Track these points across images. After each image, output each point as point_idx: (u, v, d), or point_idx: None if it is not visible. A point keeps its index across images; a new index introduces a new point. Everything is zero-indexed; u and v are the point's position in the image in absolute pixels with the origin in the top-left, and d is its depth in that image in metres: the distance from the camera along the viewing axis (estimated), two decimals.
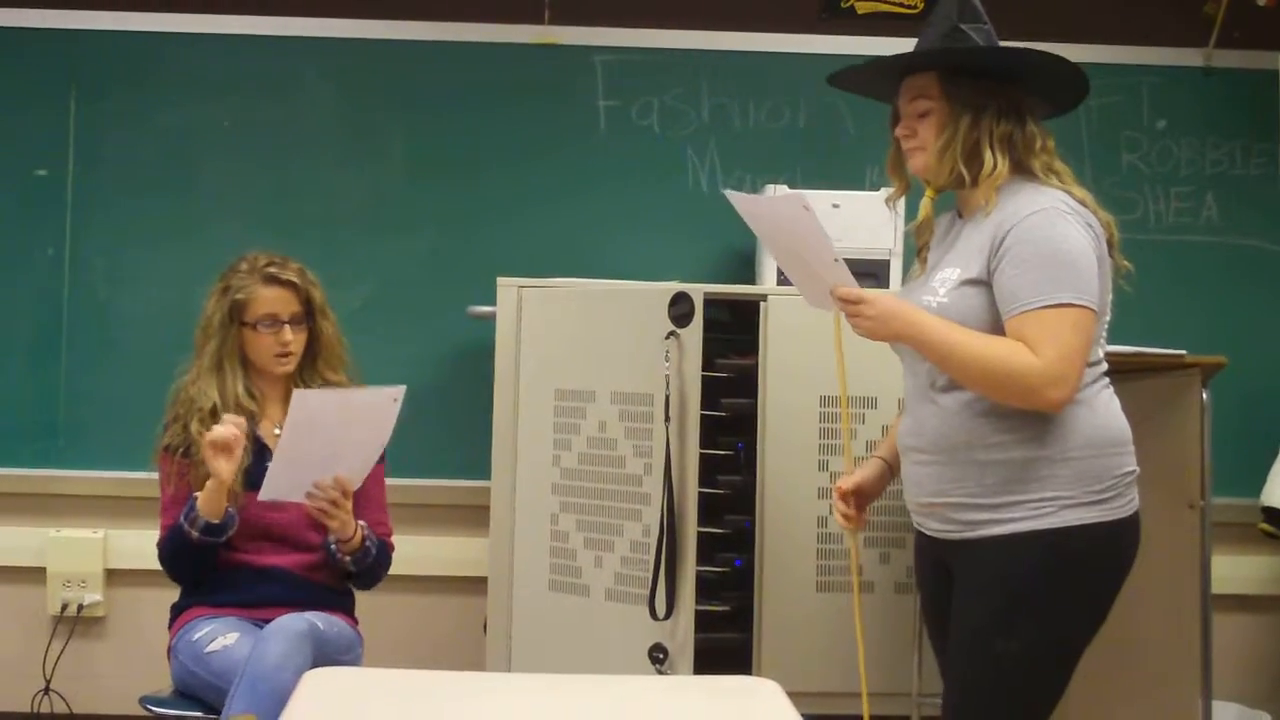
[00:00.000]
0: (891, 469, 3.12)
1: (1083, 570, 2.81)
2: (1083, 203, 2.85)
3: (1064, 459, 2.79)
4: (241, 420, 3.32)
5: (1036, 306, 2.73)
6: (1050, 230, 2.77)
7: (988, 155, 2.86)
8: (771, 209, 3.12)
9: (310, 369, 3.56)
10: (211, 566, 3.41)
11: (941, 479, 2.88)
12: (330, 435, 3.27)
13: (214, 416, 3.42)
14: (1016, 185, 2.87)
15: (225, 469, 3.27)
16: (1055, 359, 2.71)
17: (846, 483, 3.12)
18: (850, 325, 2.92)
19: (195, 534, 3.34)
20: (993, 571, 2.83)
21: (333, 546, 3.44)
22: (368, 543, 3.45)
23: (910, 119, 2.95)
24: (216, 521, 3.34)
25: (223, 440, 3.26)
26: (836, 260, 2.89)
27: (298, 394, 3.29)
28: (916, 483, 2.95)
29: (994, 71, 2.91)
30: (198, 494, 3.35)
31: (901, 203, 3.15)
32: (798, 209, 2.90)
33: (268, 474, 3.29)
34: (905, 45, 3.01)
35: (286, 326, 3.49)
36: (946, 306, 2.83)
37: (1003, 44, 2.96)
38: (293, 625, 3.20)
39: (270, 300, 3.49)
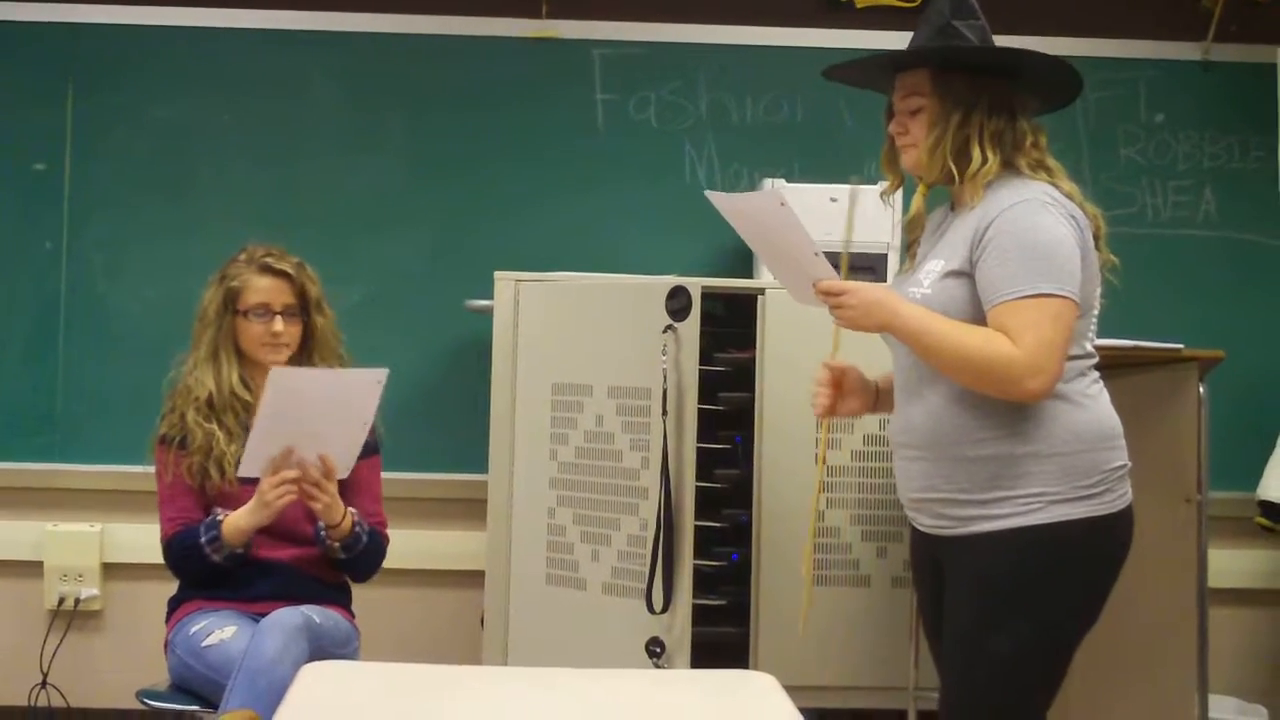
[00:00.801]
0: (878, 393, 3.10)
1: (1073, 566, 2.81)
2: (1069, 195, 2.86)
3: (1051, 454, 2.79)
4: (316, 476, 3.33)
5: (1016, 297, 2.74)
6: (1031, 221, 2.78)
7: (976, 152, 2.87)
8: (751, 207, 3.13)
9: (305, 362, 3.55)
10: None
11: (931, 474, 2.88)
12: (309, 415, 3.25)
13: (210, 406, 3.44)
14: (1004, 180, 2.87)
15: (276, 506, 3.30)
16: (1034, 349, 2.71)
17: (835, 362, 3.09)
18: (834, 317, 2.92)
19: (217, 559, 3.38)
20: (983, 568, 2.83)
21: (322, 533, 3.44)
22: (357, 529, 3.45)
23: (903, 115, 2.96)
24: (241, 551, 3.38)
25: (293, 481, 3.29)
26: (817, 254, 2.90)
27: (274, 370, 3.27)
28: (908, 478, 2.96)
29: (986, 68, 2.91)
30: (220, 516, 3.37)
31: (899, 196, 3.15)
32: (774, 205, 2.91)
33: (245, 450, 3.28)
34: (903, 39, 3.02)
35: (278, 317, 3.49)
36: (930, 298, 2.84)
37: (996, 39, 2.96)
38: (289, 619, 3.20)
39: (263, 289, 3.50)
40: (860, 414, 3.18)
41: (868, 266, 3.96)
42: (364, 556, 3.50)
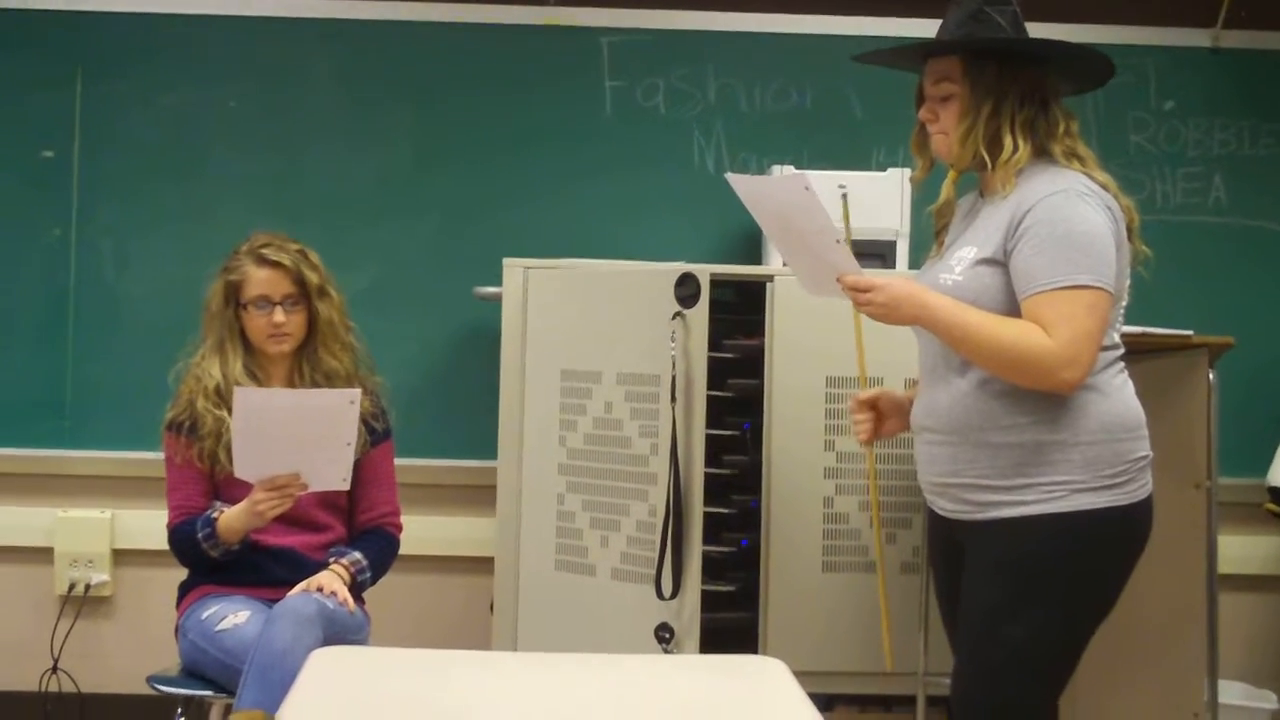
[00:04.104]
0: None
1: (1092, 554, 2.82)
2: (1104, 186, 2.85)
3: (1076, 443, 2.79)
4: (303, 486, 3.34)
5: (1052, 287, 2.73)
6: (1069, 211, 2.77)
7: (1008, 140, 2.86)
8: (773, 191, 3.10)
9: (310, 351, 3.56)
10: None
11: (954, 459, 2.88)
12: (283, 434, 3.26)
13: (218, 394, 3.45)
14: (1037, 168, 2.86)
15: (268, 516, 3.31)
16: (1068, 340, 2.71)
17: (864, 394, 3.12)
18: (860, 311, 2.92)
19: (214, 555, 3.40)
20: (1002, 554, 2.84)
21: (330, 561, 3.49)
22: (360, 578, 3.48)
23: (934, 102, 2.94)
24: (237, 547, 3.40)
25: (282, 490, 3.30)
26: (839, 242, 2.89)
27: (239, 390, 3.29)
28: (929, 462, 2.96)
29: (1018, 55, 2.90)
30: (216, 513, 3.39)
31: (907, 184, 3.14)
32: (799, 190, 2.89)
33: (234, 457, 3.30)
34: (913, 26, 3.02)
35: (278, 308, 3.50)
36: (961, 285, 2.83)
37: (1028, 27, 2.95)
38: (302, 608, 3.21)
39: (262, 281, 3.50)
40: (901, 432, 3.17)
41: (877, 254, 3.96)
42: (376, 574, 3.54)
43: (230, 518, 3.36)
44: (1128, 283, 2.90)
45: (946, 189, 3.02)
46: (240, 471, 3.29)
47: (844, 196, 3.11)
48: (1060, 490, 2.79)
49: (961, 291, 2.83)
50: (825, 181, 3.77)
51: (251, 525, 3.35)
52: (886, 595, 3.29)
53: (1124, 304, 2.91)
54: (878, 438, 3.17)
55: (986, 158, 2.88)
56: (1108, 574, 2.86)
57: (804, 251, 3.01)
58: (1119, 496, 2.81)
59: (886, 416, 3.14)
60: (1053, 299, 2.74)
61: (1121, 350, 2.90)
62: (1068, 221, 2.76)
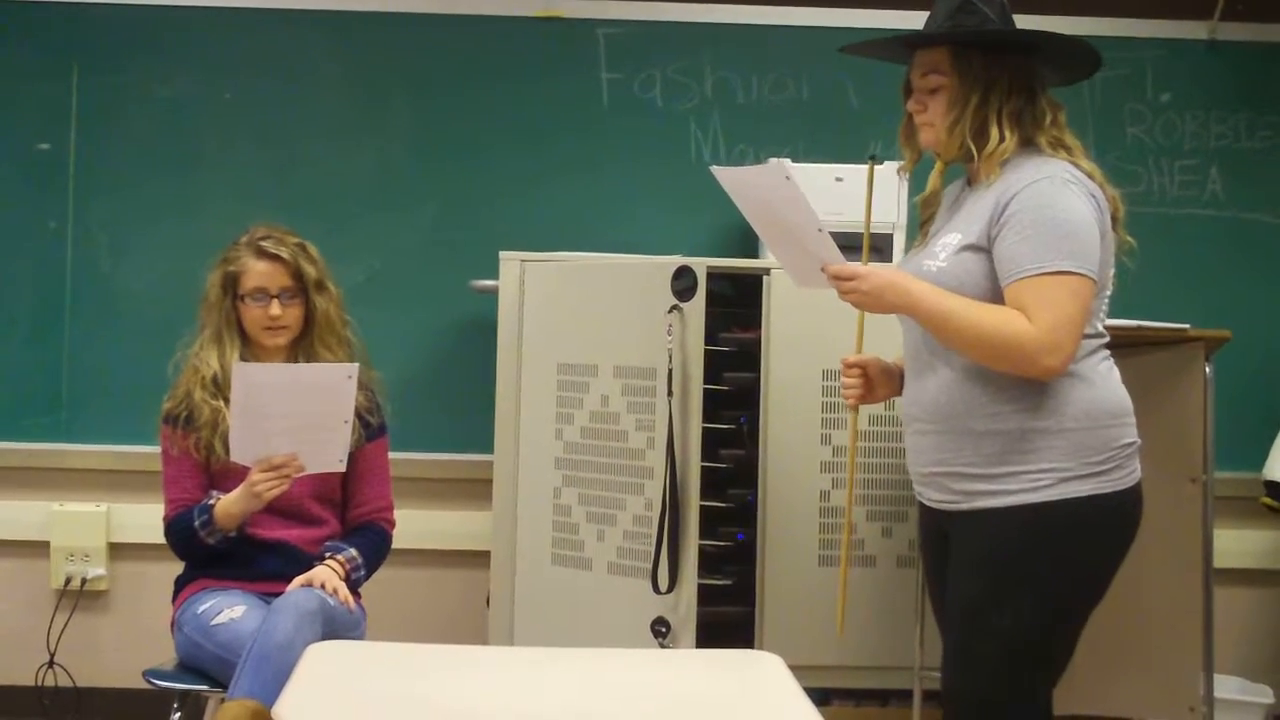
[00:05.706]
0: (902, 377, 3.08)
1: (1080, 543, 2.82)
2: (1089, 174, 2.85)
3: (1061, 430, 2.79)
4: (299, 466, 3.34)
5: (1035, 273, 2.74)
6: (1052, 198, 2.78)
7: (995, 131, 2.86)
8: (755, 181, 3.10)
9: (306, 345, 3.56)
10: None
11: (940, 448, 2.88)
12: (281, 410, 3.26)
13: (216, 384, 3.44)
14: (1023, 157, 2.87)
15: (266, 498, 3.31)
16: (1050, 326, 2.71)
17: (853, 357, 3.10)
18: (845, 300, 2.92)
19: (211, 542, 3.40)
20: (989, 544, 2.84)
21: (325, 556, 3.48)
22: (354, 575, 3.47)
23: (922, 93, 2.95)
24: (233, 534, 3.40)
25: (279, 470, 3.30)
26: (821, 231, 2.89)
27: (238, 365, 3.30)
28: (917, 451, 2.96)
29: (1005, 46, 2.90)
30: (213, 500, 3.38)
31: (894, 175, 3.14)
32: (780, 180, 2.90)
33: (230, 438, 3.30)
34: (909, 17, 3.01)
35: (275, 300, 3.49)
36: (945, 271, 2.84)
37: (1015, 19, 2.96)
38: (304, 603, 3.21)
39: (260, 274, 3.50)
40: (889, 399, 3.17)
41: (873, 247, 3.94)
42: (369, 570, 3.53)
43: (228, 502, 3.36)
44: (1111, 272, 2.90)
45: (933, 180, 3.03)
46: (236, 453, 3.29)
47: (870, 172, 3.09)
48: (1046, 479, 2.79)
49: (945, 277, 2.83)
50: (822, 174, 3.82)
51: (250, 508, 3.35)
52: (848, 562, 3.29)
53: (1108, 293, 2.91)
54: (866, 402, 3.15)
55: (973, 148, 2.88)
56: (1096, 563, 2.86)
57: (789, 242, 3.01)
58: (1105, 484, 2.81)
59: (875, 383, 3.12)
60: (1035, 285, 2.74)
61: (1106, 338, 2.90)
62: (1051, 208, 2.77)
